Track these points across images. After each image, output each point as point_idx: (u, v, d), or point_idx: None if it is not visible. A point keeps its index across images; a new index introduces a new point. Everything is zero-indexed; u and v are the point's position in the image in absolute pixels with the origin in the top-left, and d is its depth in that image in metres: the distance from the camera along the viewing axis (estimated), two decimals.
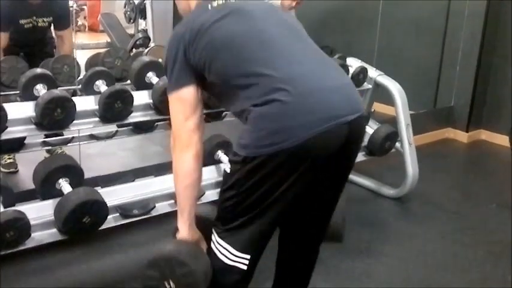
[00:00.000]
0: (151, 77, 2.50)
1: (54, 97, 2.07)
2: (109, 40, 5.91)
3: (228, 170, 1.52)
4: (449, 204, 3.29)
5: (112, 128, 2.70)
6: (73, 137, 2.73)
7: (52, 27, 3.40)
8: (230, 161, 1.52)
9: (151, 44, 5.69)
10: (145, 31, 6.01)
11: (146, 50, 2.96)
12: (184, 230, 1.61)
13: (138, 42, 5.43)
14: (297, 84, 1.42)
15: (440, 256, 2.67)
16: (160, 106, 2.38)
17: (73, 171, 2.20)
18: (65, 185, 2.14)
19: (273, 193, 1.46)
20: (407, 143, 3.22)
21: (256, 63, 1.47)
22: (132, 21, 6.18)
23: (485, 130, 4.53)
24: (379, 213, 3.16)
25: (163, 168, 2.65)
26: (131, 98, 2.29)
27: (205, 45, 1.51)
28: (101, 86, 2.39)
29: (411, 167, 3.20)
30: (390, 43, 4.42)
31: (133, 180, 2.46)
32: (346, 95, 1.49)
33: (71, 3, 3.47)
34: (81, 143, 2.66)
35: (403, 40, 4.75)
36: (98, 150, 3.59)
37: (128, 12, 6.13)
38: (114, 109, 2.25)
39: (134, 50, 5.49)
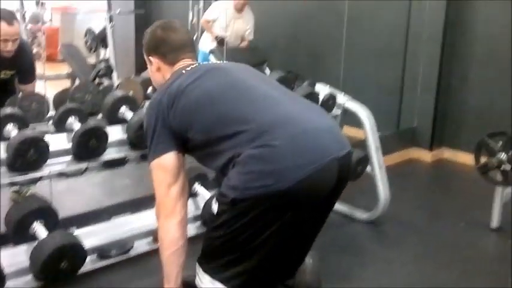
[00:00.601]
0: (125, 112, 2.48)
1: (27, 138, 2.02)
2: (70, 71, 5.80)
3: (216, 210, 1.51)
4: (421, 224, 3.35)
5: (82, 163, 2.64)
6: (41, 176, 2.66)
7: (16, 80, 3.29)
8: (218, 202, 1.51)
9: (114, 74, 5.64)
10: (106, 61, 5.95)
11: (116, 84, 2.91)
12: None
13: (100, 73, 5.37)
14: (284, 128, 1.44)
15: (417, 278, 2.70)
16: (136, 141, 2.35)
17: (47, 213, 2.14)
18: (39, 229, 2.08)
19: (262, 235, 1.45)
20: (378, 166, 3.27)
21: (241, 112, 1.49)
22: (93, 50, 6.12)
23: (448, 148, 4.66)
24: (354, 237, 3.18)
25: (138, 204, 2.61)
26: (106, 135, 2.26)
27: (184, 105, 1.54)
28: (74, 123, 2.34)
29: (383, 190, 3.25)
30: (354, 67, 4.51)
31: (109, 219, 2.41)
32: (332, 135, 1.52)
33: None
34: (51, 180, 2.58)
35: (366, 64, 4.86)
36: (65, 186, 3.48)
37: (89, 42, 6.07)
38: (88, 147, 2.22)
39: (97, 79, 5.43)
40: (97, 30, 6.21)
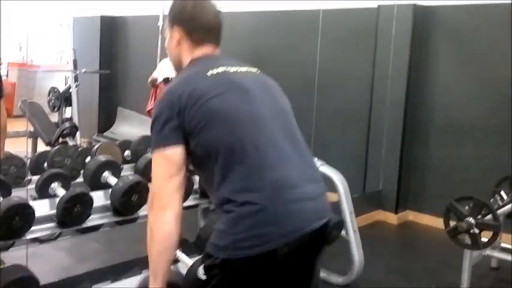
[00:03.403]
0: (108, 177, 2.46)
1: (13, 205, 1.96)
2: (31, 129, 5.68)
3: (203, 277, 1.47)
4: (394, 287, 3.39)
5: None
6: (14, 242, 2.56)
7: None
8: (205, 267, 1.46)
9: (78, 134, 5.56)
10: (70, 120, 5.88)
11: (96, 147, 2.89)
12: None
13: (65, 132, 5.28)
14: (278, 193, 1.46)
15: None
16: (120, 208, 2.32)
17: (29, 283, 2.05)
18: None
19: None
20: (352, 230, 3.33)
21: (248, 155, 1.48)
22: (56, 109, 6.04)
23: (412, 211, 4.79)
24: None
25: (117, 271, 2.54)
26: (91, 201, 2.23)
27: (203, 114, 1.49)
28: (57, 188, 2.30)
29: (357, 254, 3.30)
30: (322, 132, 4.65)
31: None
32: (317, 204, 1.55)
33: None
34: (27, 246, 2.49)
35: (333, 129, 5.02)
36: (33, 251, 3.34)
37: (53, 101, 5.99)
38: (73, 213, 2.17)
39: (61, 139, 5.34)
40: (60, 87, 6.16)
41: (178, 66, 1.71)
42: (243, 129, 1.51)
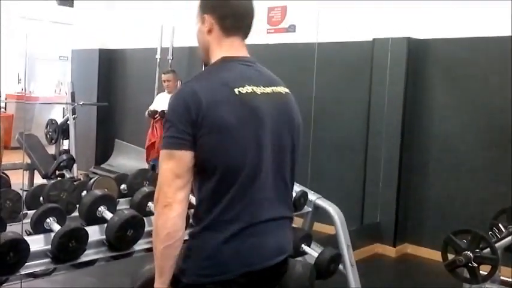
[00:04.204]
0: (103, 211, 2.44)
1: (8, 240, 1.95)
2: (29, 161, 5.67)
3: None
4: None
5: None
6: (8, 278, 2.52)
7: None
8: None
9: (75, 166, 5.56)
10: (67, 152, 5.88)
11: (92, 181, 2.88)
12: None
13: (62, 164, 5.28)
14: (247, 225, 1.53)
15: None
16: (115, 243, 2.30)
17: None
18: None
19: None
20: (350, 264, 3.30)
21: (234, 189, 1.52)
22: (53, 142, 6.05)
23: (410, 244, 4.76)
24: None
25: None
26: (87, 236, 2.21)
27: (218, 129, 1.48)
28: (52, 223, 2.28)
29: (355, 286, 3.26)
30: (319, 164, 4.65)
31: None
32: (281, 239, 1.64)
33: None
34: (21, 283, 2.45)
35: (330, 161, 5.03)
36: (27, 285, 3.30)
37: (50, 133, 6.00)
38: (68, 249, 2.15)
39: (57, 171, 5.33)
40: (58, 119, 6.18)
41: (206, 58, 1.66)
42: (242, 158, 1.52)
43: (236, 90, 1.52)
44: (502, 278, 3.55)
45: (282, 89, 1.67)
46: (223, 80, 1.53)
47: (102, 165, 7.14)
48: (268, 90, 1.60)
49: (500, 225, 3.64)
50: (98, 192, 2.53)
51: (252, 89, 1.55)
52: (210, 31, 1.61)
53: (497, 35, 4.21)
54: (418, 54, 4.67)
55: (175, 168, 1.47)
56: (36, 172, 5.56)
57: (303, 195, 3.36)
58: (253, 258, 1.55)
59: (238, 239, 1.52)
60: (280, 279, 1.69)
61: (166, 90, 5.79)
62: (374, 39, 4.85)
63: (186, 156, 1.48)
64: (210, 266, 1.51)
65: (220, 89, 1.51)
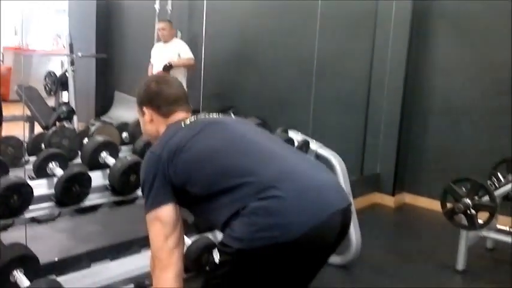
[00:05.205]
0: (106, 157, 2.46)
1: (11, 184, 1.96)
2: (28, 113, 5.66)
3: (217, 260, 1.49)
4: (391, 268, 3.42)
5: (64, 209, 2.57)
6: (13, 221, 2.56)
7: None
8: (220, 252, 1.48)
9: (75, 117, 5.55)
10: (67, 104, 5.86)
11: (93, 128, 2.89)
12: None
13: (62, 116, 5.27)
14: (290, 183, 1.46)
15: None
16: (119, 188, 2.33)
17: (29, 262, 2.06)
18: (20, 277, 1.99)
19: (264, 285, 1.46)
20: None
21: (245, 165, 1.50)
22: (52, 93, 6.02)
23: (408, 194, 4.81)
24: (327, 282, 3.20)
25: (116, 250, 2.55)
26: (90, 180, 2.23)
27: (185, 161, 1.54)
28: (55, 168, 2.30)
29: (355, 235, 3.31)
30: (320, 116, 4.64)
31: (89, 266, 2.34)
32: (335, 189, 1.56)
33: None
34: (26, 226, 2.49)
35: (331, 112, 5.01)
36: (32, 233, 3.34)
37: (49, 85, 5.97)
38: (71, 193, 2.18)
39: (57, 123, 5.32)
40: (57, 72, 6.13)
41: (155, 140, 1.76)
42: (230, 152, 1.55)
43: (183, 124, 1.68)
44: (498, 226, 3.62)
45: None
46: (171, 130, 1.67)
47: (102, 117, 7.13)
48: (214, 115, 1.78)
49: (499, 174, 3.67)
50: (100, 138, 2.54)
51: (197, 117, 1.73)
52: (151, 120, 1.77)
53: None
54: (423, 6, 4.58)
55: (162, 229, 1.54)
56: (36, 124, 5.56)
57: (305, 144, 3.37)
58: (313, 213, 1.43)
59: (293, 199, 1.43)
60: (346, 232, 1.57)
61: (161, 40, 5.63)
62: None
63: (169, 210, 1.55)
64: (267, 227, 1.40)
65: (171, 134, 1.63)
